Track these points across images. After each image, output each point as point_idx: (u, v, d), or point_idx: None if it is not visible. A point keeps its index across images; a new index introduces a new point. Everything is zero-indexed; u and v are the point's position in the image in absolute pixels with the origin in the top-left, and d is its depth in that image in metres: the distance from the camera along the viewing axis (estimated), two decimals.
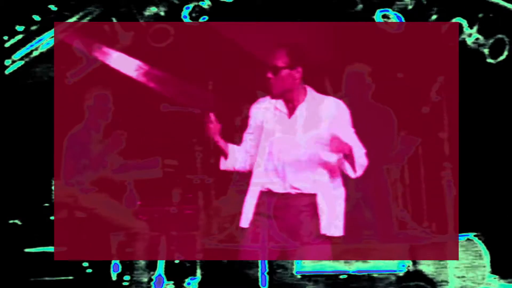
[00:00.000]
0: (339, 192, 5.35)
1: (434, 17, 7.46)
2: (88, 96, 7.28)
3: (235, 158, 5.38)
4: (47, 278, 6.96)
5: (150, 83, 8.49)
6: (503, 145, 7.67)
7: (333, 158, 5.21)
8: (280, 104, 5.31)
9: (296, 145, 5.22)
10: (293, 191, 5.21)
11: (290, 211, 5.21)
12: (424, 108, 8.00)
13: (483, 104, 7.71)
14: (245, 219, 5.24)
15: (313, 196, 5.23)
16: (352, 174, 5.30)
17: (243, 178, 5.36)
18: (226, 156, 5.36)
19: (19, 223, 7.22)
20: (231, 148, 5.38)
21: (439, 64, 7.77)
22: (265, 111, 5.34)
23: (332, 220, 5.27)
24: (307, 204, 5.22)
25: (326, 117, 5.24)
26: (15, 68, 7.39)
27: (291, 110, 5.29)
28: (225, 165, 5.41)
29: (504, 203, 7.53)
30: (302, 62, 5.26)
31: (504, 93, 7.59)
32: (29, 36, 7.38)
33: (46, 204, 7.33)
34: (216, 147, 5.38)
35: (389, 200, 7.56)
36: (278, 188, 5.22)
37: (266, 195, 5.22)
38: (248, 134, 5.41)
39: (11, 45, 7.35)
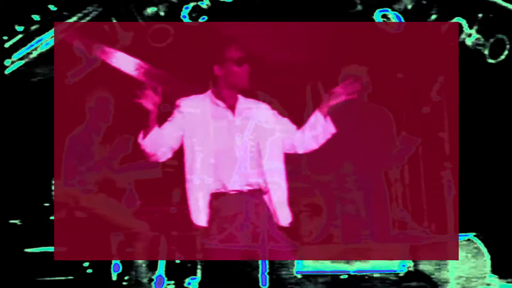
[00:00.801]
0: (284, 183, 5.28)
1: (433, 17, 7.46)
2: (90, 98, 7.29)
3: (159, 143, 5.17)
4: (47, 278, 6.95)
5: (151, 83, 8.47)
6: (503, 145, 7.67)
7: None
8: (217, 101, 5.25)
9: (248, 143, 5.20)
10: (245, 189, 5.17)
11: (250, 210, 5.15)
12: (424, 108, 8.01)
13: (483, 104, 7.71)
14: (201, 217, 5.16)
15: (265, 191, 5.20)
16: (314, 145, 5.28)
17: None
18: (147, 133, 5.15)
19: (19, 223, 7.22)
20: (157, 130, 5.17)
21: (439, 64, 7.77)
22: (204, 106, 5.26)
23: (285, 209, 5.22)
24: (262, 199, 5.18)
25: (264, 118, 5.26)
26: (14, 68, 7.38)
27: (231, 108, 5.26)
28: (143, 141, 5.17)
29: (504, 203, 7.54)
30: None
31: (504, 93, 7.59)
32: (29, 36, 7.37)
33: (46, 204, 7.32)
34: (147, 118, 5.16)
35: (386, 201, 7.59)
36: (232, 186, 5.15)
37: (221, 197, 5.16)
38: (173, 125, 5.26)
39: (11, 45, 7.34)
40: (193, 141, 5.20)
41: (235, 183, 5.13)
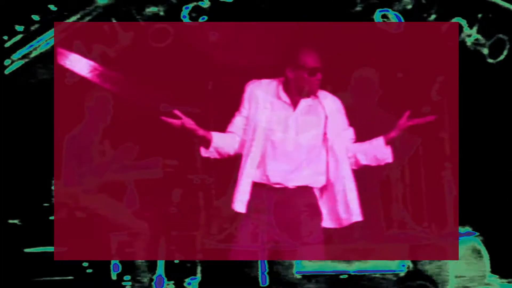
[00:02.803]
0: (346, 181, 5.30)
1: (433, 17, 7.46)
2: (89, 97, 7.29)
3: (221, 144, 5.31)
4: (47, 278, 6.95)
5: (105, 84, 8.37)
6: (503, 145, 7.67)
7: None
8: (283, 94, 5.28)
9: (298, 141, 5.21)
10: (291, 185, 5.18)
11: (290, 207, 5.19)
12: (424, 108, 8.00)
13: (483, 104, 7.71)
14: (241, 204, 5.19)
15: (312, 190, 5.21)
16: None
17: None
18: (208, 145, 5.30)
19: (19, 223, 7.22)
20: (215, 135, 5.32)
21: (439, 64, 7.77)
22: (266, 97, 5.28)
23: (343, 209, 5.25)
24: (308, 199, 5.20)
25: (328, 112, 5.27)
26: (14, 68, 7.38)
27: (295, 103, 5.28)
28: (206, 152, 5.36)
29: (504, 203, 7.53)
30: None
31: (504, 93, 7.59)
32: (29, 36, 7.37)
33: (46, 204, 7.32)
34: (196, 136, 5.30)
35: (379, 202, 7.59)
36: (275, 180, 5.18)
37: (263, 188, 5.19)
38: (240, 117, 5.34)
39: (11, 45, 7.34)
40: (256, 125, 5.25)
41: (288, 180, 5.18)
